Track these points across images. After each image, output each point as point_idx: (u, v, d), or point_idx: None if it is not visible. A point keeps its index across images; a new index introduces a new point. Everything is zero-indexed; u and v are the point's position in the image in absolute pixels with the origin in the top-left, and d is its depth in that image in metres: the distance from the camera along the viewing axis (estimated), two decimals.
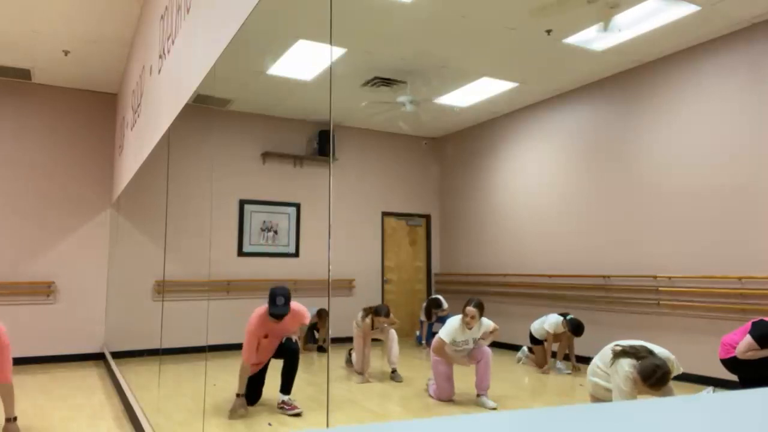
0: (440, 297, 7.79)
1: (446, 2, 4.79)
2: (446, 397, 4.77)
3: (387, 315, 5.63)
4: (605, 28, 5.04)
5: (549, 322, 6.03)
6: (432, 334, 8.31)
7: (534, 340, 6.25)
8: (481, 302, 4.72)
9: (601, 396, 3.69)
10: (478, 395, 4.69)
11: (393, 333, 5.72)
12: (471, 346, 4.78)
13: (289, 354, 4.41)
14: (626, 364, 3.34)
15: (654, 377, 3.19)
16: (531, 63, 6.16)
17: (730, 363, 4.19)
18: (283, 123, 8.27)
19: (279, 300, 4.21)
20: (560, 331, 5.99)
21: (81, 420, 4.19)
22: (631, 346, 3.45)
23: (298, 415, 4.22)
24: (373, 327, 5.64)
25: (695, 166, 5.60)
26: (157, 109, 3.79)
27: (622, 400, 3.19)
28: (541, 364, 6.19)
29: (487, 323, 4.82)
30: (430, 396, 4.89)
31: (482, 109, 7.88)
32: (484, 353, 4.76)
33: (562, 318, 6.00)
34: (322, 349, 7.40)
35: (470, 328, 4.70)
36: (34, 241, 6.74)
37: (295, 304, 4.45)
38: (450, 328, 4.71)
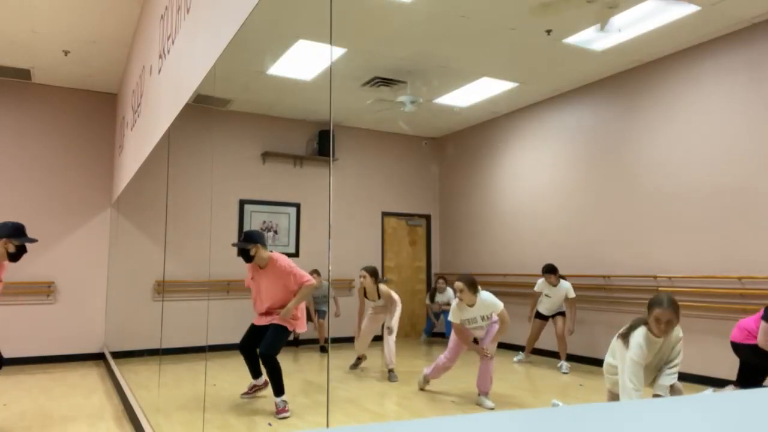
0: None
1: (446, 2, 4.79)
2: (442, 365, 4.91)
3: (374, 275, 5.72)
4: (602, 29, 5.04)
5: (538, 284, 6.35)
6: (432, 327, 8.37)
7: (539, 315, 6.40)
8: (468, 276, 4.75)
9: (618, 391, 3.67)
10: (478, 394, 4.70)
11: (390, 334, 5.71)
12: (483, 324, 4.79)
13: (263, 359, 4.39)
14: (636, 335, 3.36)
15: (663, 300, 3.29)
16: (531, 63, 6.16)
17: (749, 349, 4.14)
18: (283, 123, 8.27)
19: (242, 236, 4.45)
20: (551, 288, 6.19)
21: (81, 420, 4.19)
22: (630, 323, 3.50)
23: (284, 418, 4.19)
24: (365, 294, 5.76)
25: (695, 166, 5.60)
26: (157, 109, 3.79)
27: (632, 376, 3.24)
28: (534, 339, 6.46)
29: (491, 301, 4.74)
30: (424, 377, 5.04)
31: (482, 109, 7.88)
32: (487, 353, 4.75)
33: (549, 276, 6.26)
34: (323, 350, 7.40)
35: (464, 301, 4.74)
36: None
37: (279, 257, 4.48)
38: (453, 310, 4.84)
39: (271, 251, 4.56)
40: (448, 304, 7.85)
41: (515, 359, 6.69)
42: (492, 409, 4.55)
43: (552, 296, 6.20)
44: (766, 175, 5.03)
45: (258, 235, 4.46)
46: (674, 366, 3.47)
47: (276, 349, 4.35)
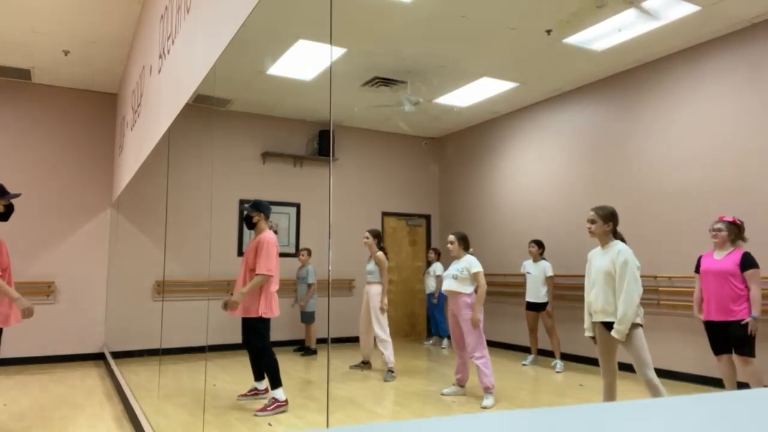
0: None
1: (446, 2, 4.79)
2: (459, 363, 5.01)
3: (376, 236, 5.91)
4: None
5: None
6: (435, 317, 8.31)
7: (530, 306, 6.46)
8: (463, 233, 5.08)
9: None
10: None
11: (383, 335, 5.68)
12: (455, 273, 4.91)
13: (256, 355, 4.37)
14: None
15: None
16: (531, 63, 6.16)
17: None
18: (283, 123, 8.27)
19: (249, 203, 4.51)
20: (533, 265, 6.44)
21: (81, 420, 4.19)
22: None
23: (257, 415, 4.19)
24: (371, 249, 5.94)
25: (695, 166, 5.60)
26: (157, 109, 3.79)
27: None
28: (534, 329, 6.53)
29: (472, 259, 4.95)
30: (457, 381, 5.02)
31: (482, 109, 7.88)
32: (471, 344, 4.76)
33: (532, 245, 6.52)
34: (307, 352, 7.35)
35: (452, 253, 5.05)
36: (34, 241, 6.74)
37: (267, 234, 4.36)
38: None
39: (270, 225, 4.57)
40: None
41: (524, 362, 6.62)
42: (485, 408, 4.56)
43: (533, 273, 6.41)
44: (766, 175, 5.03)
45: (265, 206, 4.49)
46: (622, 295, 3.39)
47: (260, 341, 4.29)
